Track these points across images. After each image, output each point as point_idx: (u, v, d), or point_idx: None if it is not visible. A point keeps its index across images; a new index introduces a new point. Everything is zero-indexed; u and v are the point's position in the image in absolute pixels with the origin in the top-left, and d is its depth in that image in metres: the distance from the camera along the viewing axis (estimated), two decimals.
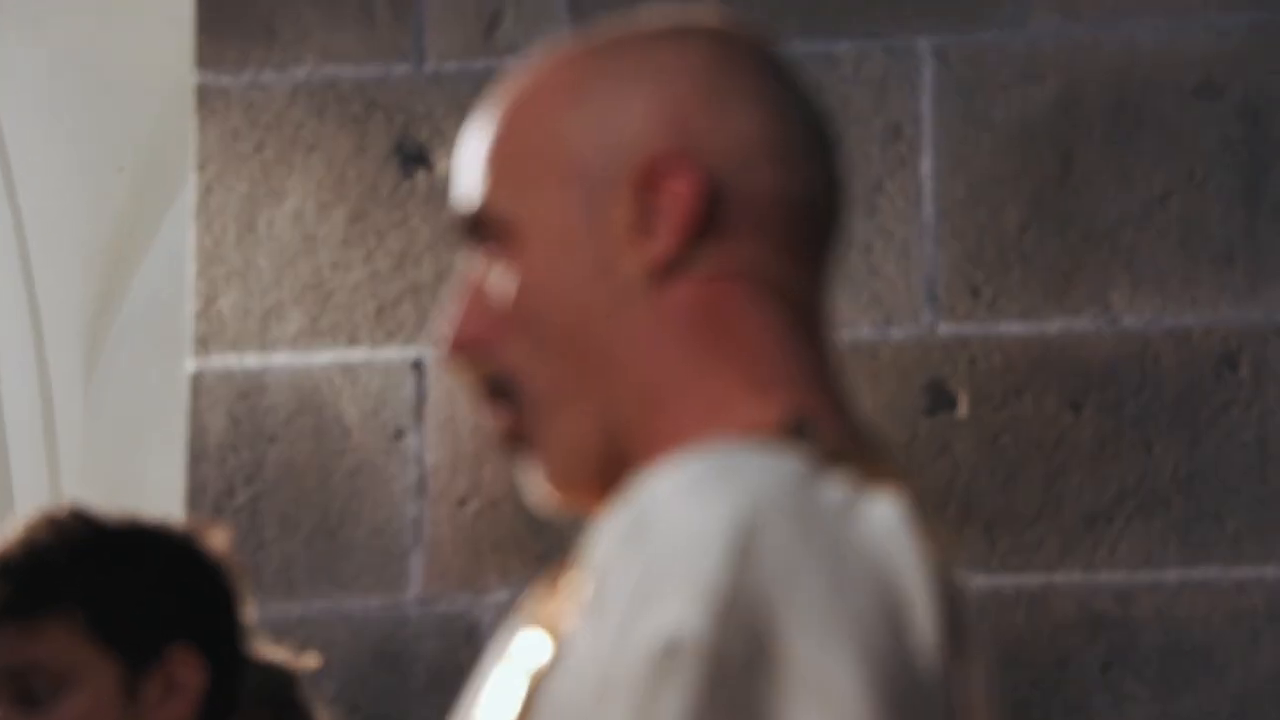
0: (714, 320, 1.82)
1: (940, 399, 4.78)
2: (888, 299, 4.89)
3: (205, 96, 5.03)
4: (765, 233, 1.83)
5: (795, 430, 1.75)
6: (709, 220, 1.78)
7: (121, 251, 10.44)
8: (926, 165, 4.88)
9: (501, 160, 1.86)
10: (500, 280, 1.83)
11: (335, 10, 5.08)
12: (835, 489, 1.66)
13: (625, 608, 1.64)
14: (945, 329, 4.90)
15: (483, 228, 1.84)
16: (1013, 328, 4.87)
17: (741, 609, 1.61)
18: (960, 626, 1.71)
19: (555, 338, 1.83)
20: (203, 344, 5.01)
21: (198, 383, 4.99)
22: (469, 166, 1.87)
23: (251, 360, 5.00)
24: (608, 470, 1.75)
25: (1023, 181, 4.87)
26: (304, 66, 5.11)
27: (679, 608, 1.61)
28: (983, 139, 4.83)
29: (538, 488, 1.83)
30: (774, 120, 1.81)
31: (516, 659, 1.72)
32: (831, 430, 1.76)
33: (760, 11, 4.81)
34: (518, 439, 1.82)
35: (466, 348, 1.84)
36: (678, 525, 1.66)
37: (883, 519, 1.67)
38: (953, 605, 1.71)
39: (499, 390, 1.82)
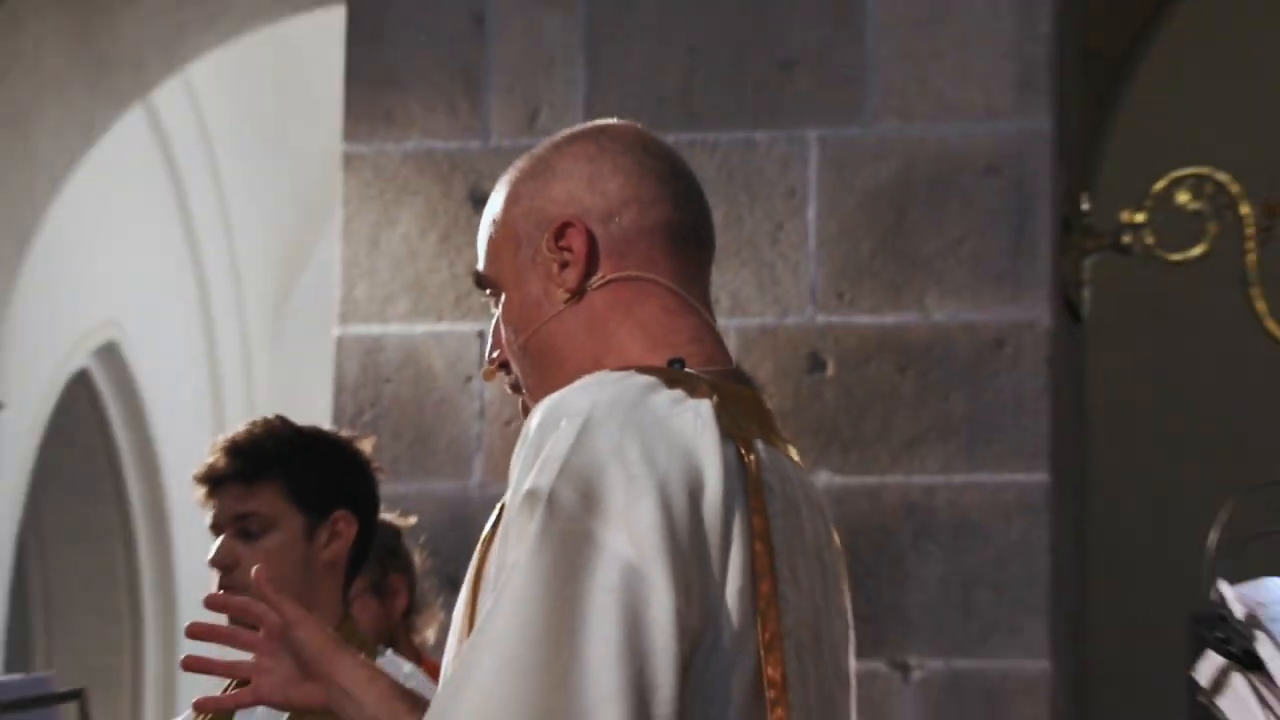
0: (615, 310, 2.43)
1: (816, 364, 6.29)
2: (784, 298, 6.30)
3: (349, 159, 6.56)
4: (640, 251, 2.44)
5: (667, 367, 2.36)
6: (596, 254, 2.41)
7: (293, 259, 13.22)
8: (811, 213, 6.33)
9: (485, 241, 2.50)
10: (500, 318, 2.50)
11: (432, 105, 6.50)
12: (669, 396, 2.28)
13: (517, 477, 2.25)
14: (821, 319, 6.35)
15: (484, 284, 2.50)
16: (864, 319, 6.35)
17: (575, 471, 2.19)
18: (757, 484, 2.31)
19: (528, 351, 2.45)
20: (344, 319, 6.49)
21: (340, 344, 6.47)
22: (477, 246, 2.56)
23: (375, 330, 6.44)
24: None
25: (873, 226, 6.36)
26: (411, 141, 6.54)
27: (538, 473, 2.20)
28: (848, 198, 6.34)
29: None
30: (631, 181, 2.45)
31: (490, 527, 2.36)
32: (695, 367, 2.37)
33: (702, 107, 6.21)
34: (528, 410, 2.40)
35: (496, 370, 2.53)
36: (555, 415, 2.27)
37: (696, 414, 2.27)
38: (744, 470, 2.30)
39: (516, 387, 2.50)
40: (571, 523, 2.18)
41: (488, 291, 2.52)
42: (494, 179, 5.99)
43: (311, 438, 4.16)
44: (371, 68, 6.69)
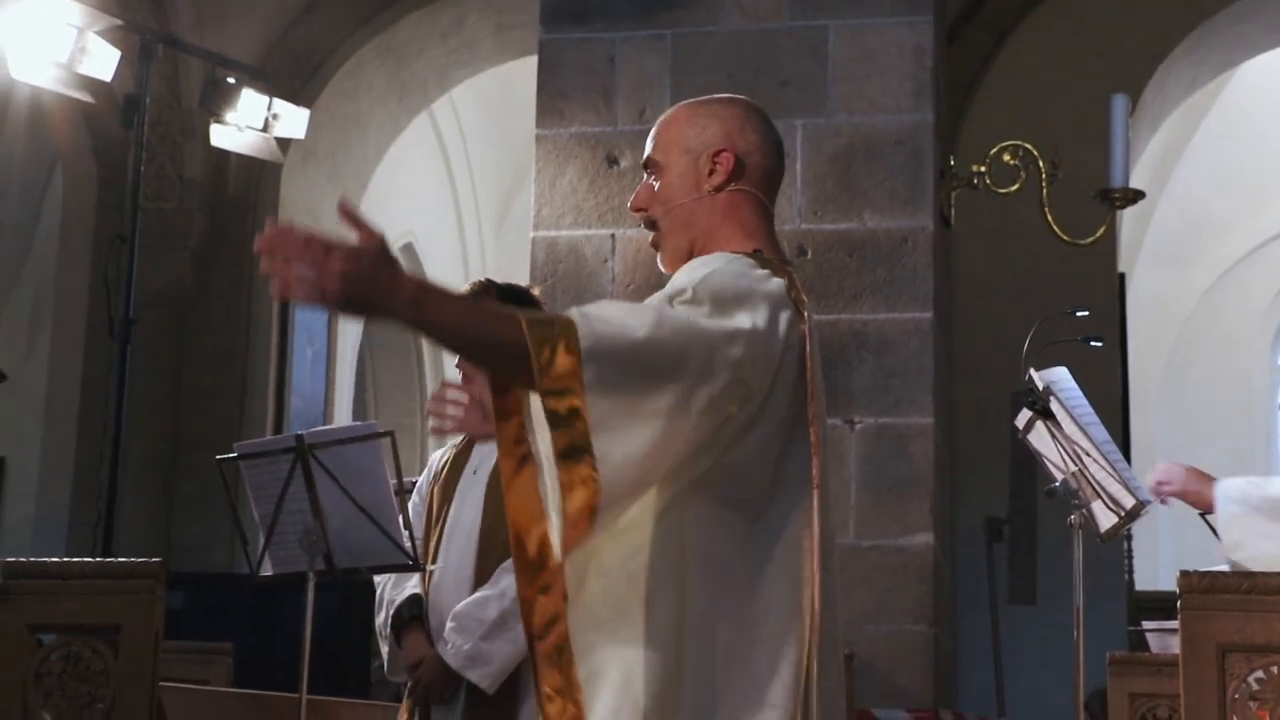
0: (734, 209, 2.60)
1: (800, 252, 6.67)
2: (781, 215, 6.47)
3: (539, 138, 7.18)
4: (757, 180, 2.63)
5: (756, 253, 2.55)
6: (735, 172, 2.58)
7: (509, 196, 13.80)
8: (798, 166, 6.82)
9: (659, 141, 2.63)
10: (655, 185, 2.60)
11: (585, 107, 7.08)
12: (763, 271, 2.48)
13: (669, 287, 2.42)
14: (804, 226, 6.74)
15: (650, 165, 2.61)
16: (828, 226, 6.83)
17: (708, 287, 2.40)
18: (811, 335, 2.48)
19: (671, 214, 2.59)
20: (536, 227, 7.16)
21: (534, 242, 7.14)
22: (650, 143, 2.65)
23: (552, 233, 7.10)
24: (688, 259, 2.57)
25: (832, 174, 6.92)
26: (573, 127, 7.09)
27: (684, 283, 2.41)
28: (819, 158, 6.98)
29: (660, 263, 2.64)
30: (759, 137, 2.64)
31: None
32: (770, 256, 2.55)
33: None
34: (657, 247, 2.59)
35: (638, 208, 2.62)
36: (698, 267, 2.48)
37: (777, 284, 2.47)
38: (804, 323, 2.47)
39: (650, 225, 2.61)
40: (707, 312, 2.39)
41: (649, 170, 2.65)
42: (621, 150, 7.17)
43: (510, 286, 4.44)
44: (550, 87, 7.24)
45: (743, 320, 2.37)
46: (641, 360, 2.32)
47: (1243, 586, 3.13)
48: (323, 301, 2.21)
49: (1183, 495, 3.75)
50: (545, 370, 2.27)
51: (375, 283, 2.23)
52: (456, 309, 2.33)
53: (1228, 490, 3.49)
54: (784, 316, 2.43)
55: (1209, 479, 3.64)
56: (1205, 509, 3.63)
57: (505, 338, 2.30)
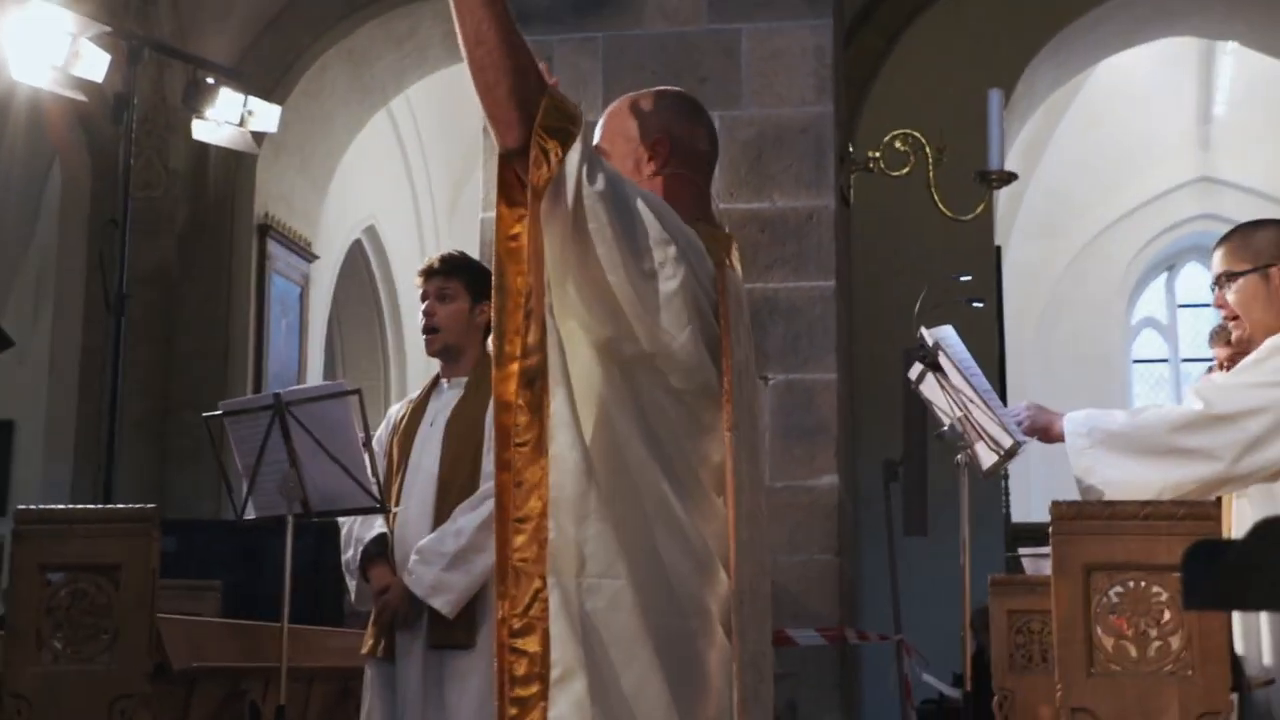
0: (673, 190, 2.51)
1: None
2: None
3: (488, 132, 6.12)
4: (692, 163, 2.57)
5: (698, 223, 2.46)
6: (672, 156, 2.53)
7: (460, 182, 13.35)
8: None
9: (605, 130, 2.56)
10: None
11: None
12: (693, 231, 2.38)
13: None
14: (722, 205, 6.49)
15: (597, 151, 2.41)
16: (742, 206, 6.70)
17: (652, 211, 2.26)
18: (723, 283, 2.37)
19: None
20: (484, 208, 6.89)
21: (483, 223, 6.89)
22: (598, 131, 2.53)
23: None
24: None
25: (745, 159, 6.79)
26: None
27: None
28: (734, 145, 6.86)
29: None
30: (694, 126, 2.59)
31: None
32: (704, 222, 2.48)
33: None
34: None
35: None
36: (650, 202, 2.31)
37: (696, 235, 2.38)
38: (721, 273, 2.37)
39: None
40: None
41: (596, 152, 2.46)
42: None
43: (474, 261, 4.40)
44: None
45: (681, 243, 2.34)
46: (627, 191, 2.29)
47: (1105, 513, 3.15)
48: None
49: (1033, 430, 3.70)
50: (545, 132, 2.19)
51: None
52: (507, 13, 2.19)
53: (1074, 423, 3.45)
54: (706, 270, 2.37)
55: (1056, 415, 3.59)
56: (1055, 440, 3.58)
57: (525, 77, 2.18)
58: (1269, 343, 3.37)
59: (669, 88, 2.68)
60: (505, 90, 2.16)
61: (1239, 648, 3.25)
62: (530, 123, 2.15)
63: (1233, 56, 13.28)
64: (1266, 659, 3.28)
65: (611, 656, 2.18)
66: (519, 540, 2.18)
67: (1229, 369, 4.02)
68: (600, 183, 2.18)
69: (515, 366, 2.17)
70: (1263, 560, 1.05)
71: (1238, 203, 14.55)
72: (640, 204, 2.25)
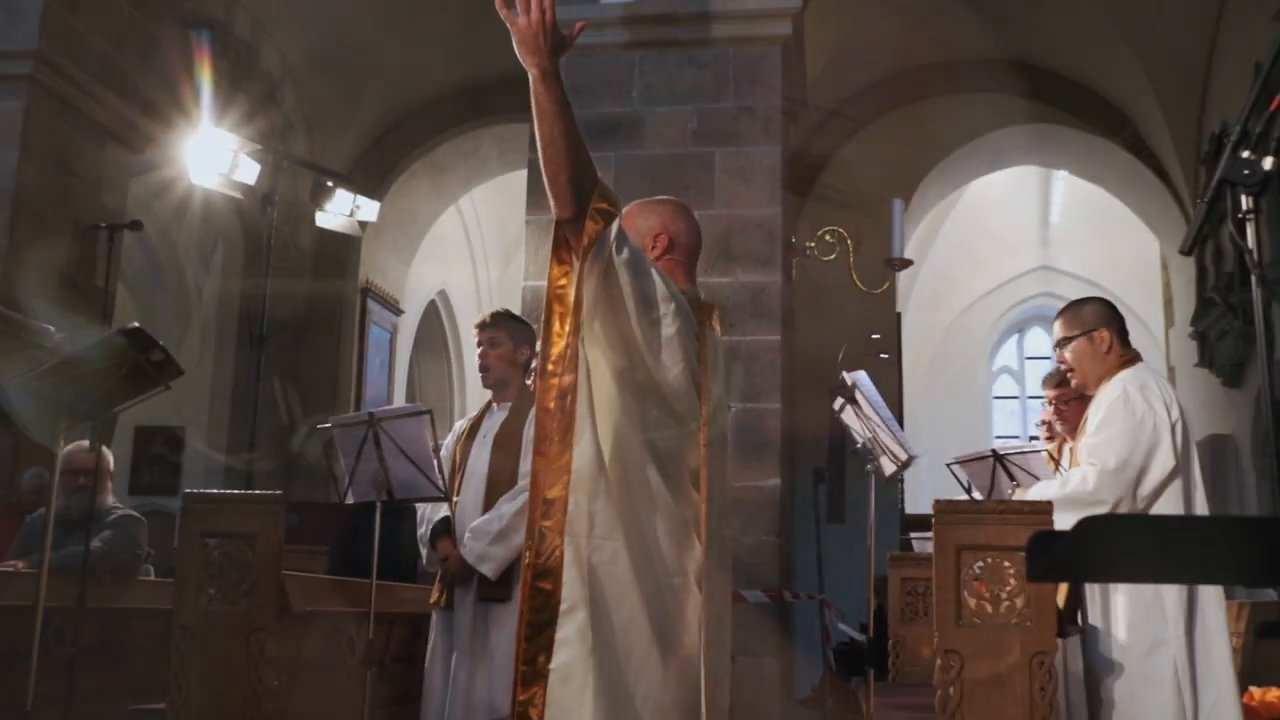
0: (668, 267, 2.45)
1: None
2: None
3: (529, 223, 6.48)
4: (684, 253, 2.48)
5: (685, 293, 2.34)
6: (669, 247, 2.45)
7: (509, 258, 12.73)
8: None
9: (627, 225, 2.37)
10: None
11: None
12: (683, 300, 2.21)
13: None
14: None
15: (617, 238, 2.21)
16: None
17: (649, 286, 2.14)
18: (704, 337, 2.25)
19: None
20: (525, 279, 6.32)
21: (524, 291, 6.35)
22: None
23: (536, 284, 6.24)
24: None
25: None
26: (549, 214, 4.83)
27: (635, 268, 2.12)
28: (710, 237, 5.86)
29: None
30: (685, 225, 2.49)
31: None
32: (689, 296, 2.35)
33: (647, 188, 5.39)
34: None
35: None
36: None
37: (686, 301, 2.24)
38: (705, 332, 2.26)
39: None
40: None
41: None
42: None
43: (517, 316, 4.18)
44: (535, 189, 6.42)
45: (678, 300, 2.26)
46: (645, 266, 2.23)
47: (973, 509, 3.16)
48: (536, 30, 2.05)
49: None
50: (592, 206, 2.13)
51: (551, 50, 2.11)
52: (570, 115, 2.13)
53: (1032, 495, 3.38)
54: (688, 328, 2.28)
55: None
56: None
57: (583, 172, 2.12)
58: (1107, 391, 3.29)
59: (668, 197, 2.60)
60: (566, 178, 2.14)
61: (1092, 615, 3.23)
62: (580, 203, 2.12)
63: (1064, 180, 13.23)
64: (1092, 618, 3.29)
65: (609, 597, 2.14)
66: (546, 509, 2.14)
67: (1056, 402, 4.03)
68: (626, 253, 2.15)
69: (555, 382, 2.15)
70: (1080, 546, 1.07)
71: (1068, 285, 14.58)
72: (652, 270, 2.21)
